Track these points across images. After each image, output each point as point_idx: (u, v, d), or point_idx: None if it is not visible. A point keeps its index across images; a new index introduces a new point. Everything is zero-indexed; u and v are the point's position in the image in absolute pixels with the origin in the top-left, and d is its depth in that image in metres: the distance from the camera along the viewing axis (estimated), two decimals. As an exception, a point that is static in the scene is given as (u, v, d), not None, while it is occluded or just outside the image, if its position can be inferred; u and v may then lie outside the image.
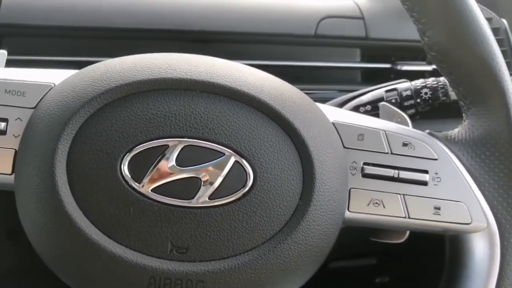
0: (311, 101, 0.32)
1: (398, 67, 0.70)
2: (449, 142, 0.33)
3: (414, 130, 0.33)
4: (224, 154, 0.28)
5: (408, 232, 0.34)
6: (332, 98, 0.56)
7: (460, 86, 0.33)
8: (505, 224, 0.31)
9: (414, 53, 0.71)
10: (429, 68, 0.69)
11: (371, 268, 0.76)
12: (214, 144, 0.28)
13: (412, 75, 0.58)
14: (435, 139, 0.33)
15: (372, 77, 0.69)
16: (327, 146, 0.30)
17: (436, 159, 0.31)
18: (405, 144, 0.32)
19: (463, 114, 0.34)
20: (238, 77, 0.30)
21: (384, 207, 0.30)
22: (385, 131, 0.32)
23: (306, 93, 0.33)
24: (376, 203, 0.30)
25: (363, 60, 0.72)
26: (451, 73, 0.33)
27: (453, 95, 0.48)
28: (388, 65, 0.71)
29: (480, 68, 0.31)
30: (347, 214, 0.30)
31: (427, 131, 0.34)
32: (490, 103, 0.32)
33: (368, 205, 0.30)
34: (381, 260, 0.76)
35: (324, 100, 0.50)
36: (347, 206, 0.30)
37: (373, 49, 0.71)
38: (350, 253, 0.71)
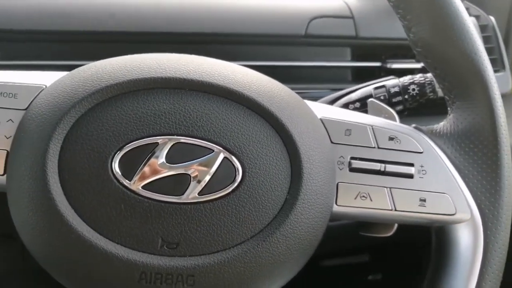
0: (299, 98, 0.33)
1: (388, 65, 0.71)
2: (434, 135, 0.33)
3: (400, 124, 0.34)
4: (213, 150, 0.28)
5: (396, 226, 0.35)
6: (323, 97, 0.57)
7: (445, 80, 0.34)
8: (488, 214, 0.31)
9: (404, 51, 0.72)
10: (418, 65, 0.70)
11: (363, 265, 0.77)
12: (203, 141, 0.28)
13: (402, 73, 0.58)
14: (421, 133, 0.33)
15: (363, 76, 0.70)
16: (315, 141, 0.30)
17: (421, 152, 0.32)
18: (391, 138, 0.32)
19: (448, 108, 0.35)
20: (227, 75, 0.30)
21: (371, 200, 0.31)
22: (372, 126, 0.32)
23: (297, 93, 0.33)
24: (363, 196, 0.31)
25: (354, 59, 0.72)
26: (436, 68, 0.34)
27: (440, 92, 0.49)
28: (378, 64, 0.72)
29: (463, 63, 0.32)
30: (335, 208, 0.31)
31: (413, 125, 0.34)
32: (474, 96, 0.32)
33: (355, 198, 0.31)
34: (373, 257, 0.76)
35: (315, 99, 0.50)
36: (335, 200, 0.31)
37: (363, 48, 0.72)
38: (342, 248, 0.71)
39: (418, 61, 0.71)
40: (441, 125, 0.34)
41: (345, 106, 0.50)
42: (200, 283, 0.27)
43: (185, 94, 0.29)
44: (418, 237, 0.42)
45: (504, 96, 0.34)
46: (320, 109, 0.33)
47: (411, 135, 0.33)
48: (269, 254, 0.28)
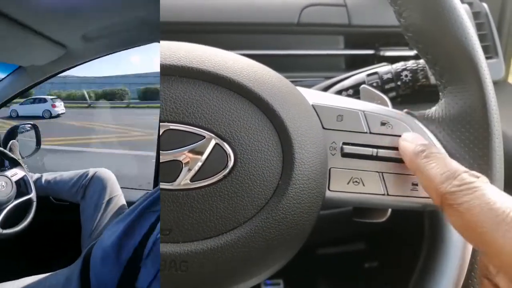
0: (291, 84, 0.33)
1: (381, 53, 0.71)
2: (426, 120, 0.33)
3: (392, 109, 0.34)
4: (204, 137, 0.28)
5: (389, 211, 0.35)
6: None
7: (437, 65, 0.34)
8: None
9: (397, 39, 0.72)
10: (411, 53, 0.70)
11: (360, 253, 0.78)
12: (194, 128, 0.28)
13: (395, 61, 0.58)
14: (413, 118, 0.33)
15: (356, 64, 0.69)
16: (306, 127, 0.30)
17: None
18: (383, 123, 0.32)
19: (440, 93, 0.35)
20: (217, 62, 0.30)
21: (363, 185, 0.31)
22: (363, 111, 0.32)
23: (291, 82, 0.33)
24: (356, 181, 0.31)
25: (347, 47, 0.72)
26: (427, 53, 0.34)
27: (433, 78, 0.49)
28: (371, 51, 0.72)
29: (454, 46, 0.32)
30: (328, 193, 0.31)
31: (405, 110, 0.34)
32: (465, 80, 0.32)
33: (348, 183, 0.31)
34: (369, 245, 0.77)
35: (309, 87, 0.50)
36: (327, 185, 0.31)
37: (356, 36, 0.72)
38: (339, 237, 0.72)
39: (411, 49, 0.71)
40: (433, 110, 0.34)
41: (338, 93, 0.50)
42: (193, 268, 0.27)
43: (175, 80, 0.29)
44: (413, 224, 0.42)
45: (497, 83, 0.34)
46: (312, 95, 0.33)
47: (403, 120, 0.33)
48: (262, 239, 0.28)
